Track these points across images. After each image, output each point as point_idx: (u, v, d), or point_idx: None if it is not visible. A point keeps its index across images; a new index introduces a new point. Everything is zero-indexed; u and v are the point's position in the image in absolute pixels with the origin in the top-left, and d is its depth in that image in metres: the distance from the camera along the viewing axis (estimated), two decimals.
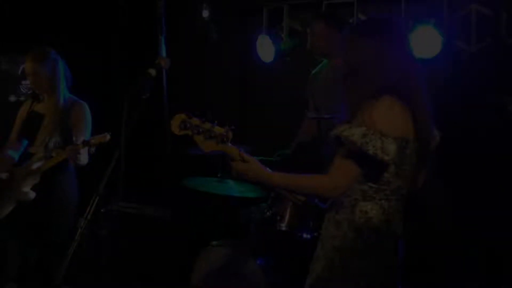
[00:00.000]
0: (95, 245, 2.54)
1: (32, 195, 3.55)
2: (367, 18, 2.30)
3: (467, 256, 4.00)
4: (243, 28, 5.13)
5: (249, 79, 5.18)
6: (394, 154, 2.11)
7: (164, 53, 4.28)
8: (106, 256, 3.84)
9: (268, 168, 2.26)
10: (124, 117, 2.35)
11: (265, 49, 4.71)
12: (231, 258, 3.70)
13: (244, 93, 5.20)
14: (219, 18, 5.00)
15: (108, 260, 4.34)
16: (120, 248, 4.94)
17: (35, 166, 3.57)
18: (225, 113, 5.10)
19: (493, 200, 3.92)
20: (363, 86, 2.15)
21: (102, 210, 2.38)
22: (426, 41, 3.96)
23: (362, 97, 2.13)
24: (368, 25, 2.29)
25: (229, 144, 2.25)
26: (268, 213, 3.80)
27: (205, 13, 4.95)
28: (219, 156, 4.21)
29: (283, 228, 3.62)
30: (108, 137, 3.38)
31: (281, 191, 2.53)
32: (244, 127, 5.06)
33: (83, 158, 3.52)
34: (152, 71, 2.50)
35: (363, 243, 2.18)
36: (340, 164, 2.13)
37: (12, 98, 5.38)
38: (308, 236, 3.53)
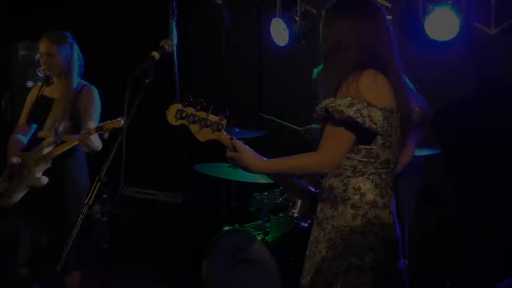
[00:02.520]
0: (101, 231, 2.52)
1: (45, 180, 3.55)
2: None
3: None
4: (257, 12, 5.08)
5: (263, 64, 5.13)
6: (381, 123, 2.15)
7: (175, 38, 4.28)
8: (115, 241, 3.84)
9: (262, 157, 2.26)
10: (126, 101, 2.27)
11: (279, 32, 4.66)
12: (243, 244, 3.71)
13: (259, 78, 5.16)
14: (232, 2, 4.95)
15: (116, 245, 4.37)
16: (130, 233, 5.00)
17: (45, 151, 3.56)
18: (240, 98, 5.22)
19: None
20: (343, 61, 2.18)
21: (104, 196, 2.36)
22: (443, 23, 3.89)
23: (343, 72, 2.16)
24: (344, 3, 2.29)
25: (224, 133, 2.25)
26: (280, 199, 3.82)
27: None
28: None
29: (295, 215, 3.66)
30: (122, 122, 3.34)
31: (276, 179, 2.52)
32: (260, 111, 5.06)
33: (96, 143, 3.50)
34: (156, 54, 2.42)
35: (362, 218, 2.21)
36: (329, 138, 2.17)
37: (30, 84, 5.43)
38: (305, 224, 3.57)
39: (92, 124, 3.53)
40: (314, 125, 3.80)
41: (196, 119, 2.23)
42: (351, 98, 2.12)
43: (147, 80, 2.35)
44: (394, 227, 2.29)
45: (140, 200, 4.99)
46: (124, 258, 4.80)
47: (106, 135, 3.41)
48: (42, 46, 3.66)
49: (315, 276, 2.25)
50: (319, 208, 2.32)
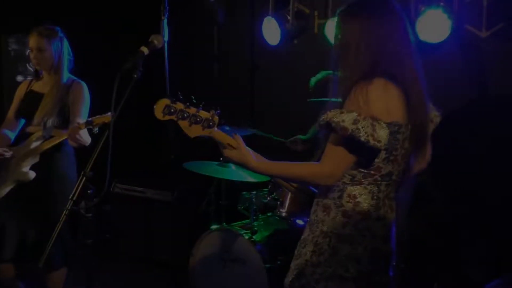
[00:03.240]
0: (85, 227, 2.51)
1: (32, 175, 3.53)
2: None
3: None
4: (250, 10, 5.07)
5: (255, 62, 5.12)
6: (385, 140, 2.07)
7: (166, 35, 4.27)
8: (103, 237, 3.82)
9: (262, 157, 2.25)
10: (114, 96, 2.25)
11: (271, 31, 4.64)
12: (230, 243, 3.71)
13: (251, 76, 5.14)
14: None
15: (104, 241, 4.36)
16: (119, 231, 5.00)
17: (33, 145, 3.54)
18: (232, 96, 5.22)
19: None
20: (353, 65, 2.12)
21: (89, 192, 2.35)
22: (434, 25, 3.89)
23: (353, 76, 2.10)
24: (356, 6, 2.20)
25: (215, 129, 2.24)
26: (268, 198, 3.82)
27: None
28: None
29: (283, 214, 3.65)
30: (110, 117, 3.33)
31: (274, 178, 2.52)
32: (251, 109, 5.05)
33: (85, 138, 3.48)
34: (145, 49, 2.39)
35: (352, 228, 2.16)
36: (332, 151, 2.12)
37: (20, 78, 5.41)
38: (302, 222, 3.55)
39: (81, 119, 3.51)
40: (300, 136, 3.84)
41: (185, 115, 2.21)
42: (356, 114, 2.04)
43: (135, 75, 2.34)
44: (389, 240, 2.24)
45: (129, 197, 4.99)
46: (113, 255, 4.80)
47: (95, 130, 3.39)
48: (32, 41, 3.63)
49: (296, 278, 2.23)
50: (313, 209, 2.29)
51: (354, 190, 2.16)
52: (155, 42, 2.49)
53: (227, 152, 2.24)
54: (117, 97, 2.29)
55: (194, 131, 2.22)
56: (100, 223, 4.66)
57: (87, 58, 3.93)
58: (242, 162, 2.22)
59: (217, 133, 2.25)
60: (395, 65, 2.10)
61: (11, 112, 3.78)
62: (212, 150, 3.82)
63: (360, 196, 2.16)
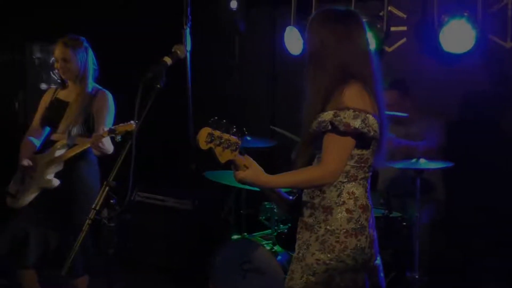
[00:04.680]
0: (107, 236, 2.52)
1: (56, 182, 3.57)
2: (325, 8, 2.44)
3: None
4: (272, 20, 5.10)
5: (277, 72, 5.14)
6: (377, 130, 2.29)
7: (188, 45, 4.31)
8: (124, 246, 3.79)
9: (264, 172, 2.30)
10: (137, 106, 2.26)
11: (293, 41, 4.66)
12: (251, 254, 3.72)
13: (272, 86, 5.17)
14: (247, 9, 4.99)
15: (125, 250, 4.32)
16: (139, 239, 4.99)
17: (58, 153, 3.58)
18: (253, 106, 5.22)
19: None
20: (322, 73, 2.30)
21: (111, 201, 2.37)
22: (459, 36, 3.91)
23: (330, 83, 2.28)
24: (327, 15, 2.38)
25: (238, 153, 2.26)
26: None
27: (233, 4, 4.94)
28: (243, 149, 4.25)
29: None
30: (134, 125, 3.17)
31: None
32: (273, 119, 5.05)
33: (107, 146, 3.52)
34: (168, 59, 2.41)
35: (356, 222, 2.33)
36: (333, 149, 2.26)
37: (44, 86, 5.46)
38: None
39: (105, 128, 3.52)
40: None
41: (221, 141, 2.22)
42: (352, 110, 2.23)
43: (158, 85, 2.35)
44: (374, 226, 2.44)
45: (149, 205, 5.00)
46: (132, 264, 4.79)
47: (118, 138, 3.40)
48: (58, 51, 3.68)
49: (310, 278, 2.34)
50: (306, 213, 2.41)
51: (351, 187, 2.34)
52: (178, 52, 2.50)
53: (242, 174, 2.26)
54: (140, 107, 2.31)
55: (225, 156, 2.23)
56: (120, 232, 4.68)
57: (111, 68, 3.98)
58: (256, 179, 2.26)
59: (239, 158, 2.27)
60: (362, 70, 2.32)
61: (36, 120, 3.82)
62: None
63: (357, 190, 2.35)
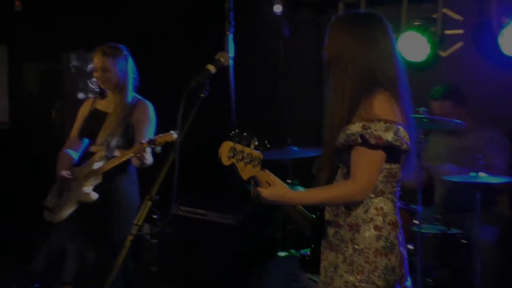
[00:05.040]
0: (150, 253, 2.51)
1: (95, 196, 3.57)
2: (349, 12, 2.41)
3: None
4: (317, 23, 5.06)
5: (323, 77, 5.00)
6: (409, 142, 2.24)
7: (231, 51, 4.29)
8: (165, 262, 3.78)
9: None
10: (180, 116, 2.23)
11: None
12: (298, 271, 3.63)
13: (318, 92, 5.12)
14: (291, 13, 4.98)
15: (166, 266, 4.33)
16: (180, 254, 4.98)
17: (96, 166, 3.58)
18: (298, 113, 5.17)
19: None
20: (352, 79, 2.24)
21: (154, 216, 2.35)
22: None
23: (355, 91, 2.23)
24: (350, 18, 2.35)
25: (259, 168, 2.20)
26: None
27: (277, 8, 4.90)
28: (289, 160, 4.20)
29: None
30: (174, 135, 3.34)
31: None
32: (320, 125, 4.99)
33: (148, 158, 3.49)
34: (211, 68, 2.38)
35: (385, 240, 2.26)
36: (363, 162, 2.20)
37: (81, 95, 5.51)
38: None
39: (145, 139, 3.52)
40: None
41: (243, 155, 2.16)
42: (383, 121, 2.18)
43: (202, 95, 2.33)
44: (405, 244, 2.36)
45: (191, 220, 4.94)
46: (173, 280, 4.79)
47: (158, 149, 3.39)
48: (97, 60, 3.69)
49: None
50: (330, 232, 2.33)
51: (379, 202, 2.27)
52: (222, 59, 2.47)
53: (268, 191, 2.19)
54: (183, 117, 2.28)
55: (247, 172, 2.18)
56: (161, 247, 4.67)
57: (151, 77, 3.98)
58: (283, 196, 2.19)
59: (261, 173, 2.21)
60: (389, 79, 2.26)
61: (74, 131, 3.83)
62: (281, 173, 3.84)
63: (386, 206, 2.28)
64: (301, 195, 2.26)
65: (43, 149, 5.36)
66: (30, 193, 4.94)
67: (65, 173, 3.64)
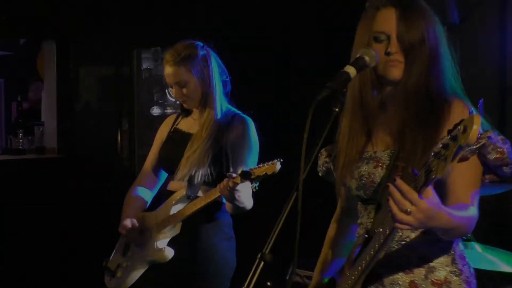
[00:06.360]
0: None
1: (170, 253, 3.47)
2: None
3: None
4: (498, 4, 5.00)
5: (507, 72, 5.16)
6: None
7: None
8: None
9: None
10: (305, 139, 2.10)
11: None
12: None
13: (501, 87, 5.19)
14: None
15: None
16: None
17: (174, 210, 3.47)
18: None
19: None
20: (430, 74, 2.30)
21: (268, 284, 2.19)
22: None
23: (437, 93, 2.30)
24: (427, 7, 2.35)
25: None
26: None
27: None
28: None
29: None
30: (278, 166, 3.23)
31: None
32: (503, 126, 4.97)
33: (244, 198, 3.33)
34: (351, 69, 2.30)
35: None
36: (469, 180, 2.26)
37: (156, 111, 5.47)
38: None
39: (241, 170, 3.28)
40: None
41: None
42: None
43: (336, 108, 2.22)
44: None
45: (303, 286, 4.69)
46: None
47: (255, 185, 3.28)
48: (167, 76, 3.57)
49: None
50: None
51: (461, 247, 2.33)
52: (366, 58, 2.33)
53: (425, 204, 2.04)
54: (308, 140, 2.15)
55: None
56: None
57: (247, 84, 3.90)
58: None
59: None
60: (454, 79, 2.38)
61: (148, 162, 3.76)
62: None
63: (465, 253, 2.35)
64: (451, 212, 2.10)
65: (104, 187, 5.47)
66: (85, 249, 5.20)
67: (129, 222, 3.53)
